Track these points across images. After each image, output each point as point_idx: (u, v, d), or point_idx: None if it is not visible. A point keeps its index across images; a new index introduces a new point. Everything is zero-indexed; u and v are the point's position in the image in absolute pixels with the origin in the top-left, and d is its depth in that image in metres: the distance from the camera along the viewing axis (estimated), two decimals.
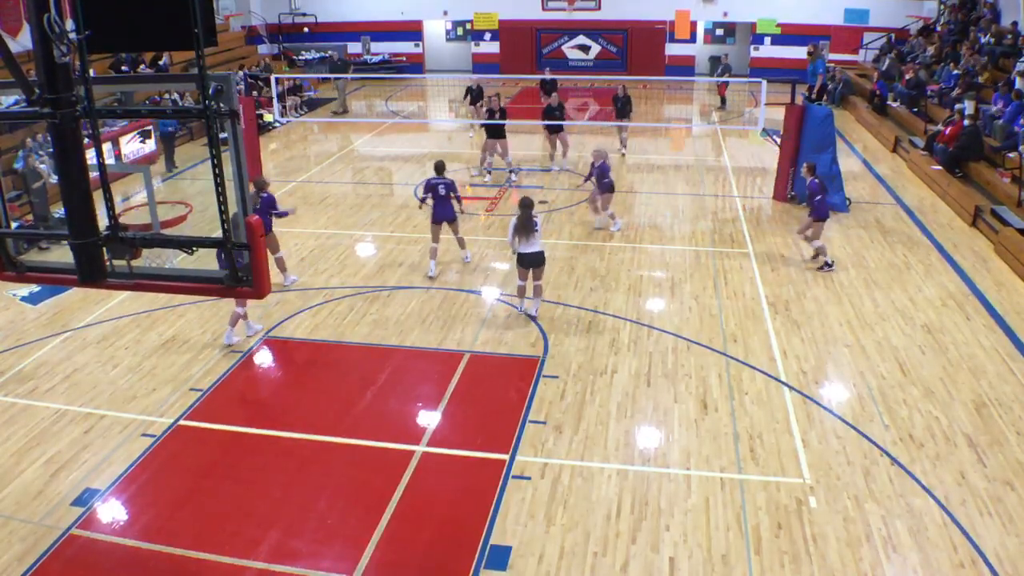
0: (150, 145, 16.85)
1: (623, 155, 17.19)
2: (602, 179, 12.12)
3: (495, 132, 15.04)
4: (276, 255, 10.42)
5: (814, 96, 22.04)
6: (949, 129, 15.05)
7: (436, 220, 10.63)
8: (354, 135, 20.24)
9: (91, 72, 4.02)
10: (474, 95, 18.18)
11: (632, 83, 22.50)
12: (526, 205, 9.24)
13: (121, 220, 4.32)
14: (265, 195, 10.15)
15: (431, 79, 28.70)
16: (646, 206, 13.93)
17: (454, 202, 10.70)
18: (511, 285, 10.51)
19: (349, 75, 23.73)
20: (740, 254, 11.56)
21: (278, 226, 10.77)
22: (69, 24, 3.82)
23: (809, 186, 11.17)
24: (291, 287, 10.52)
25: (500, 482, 6.64)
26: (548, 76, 20.11)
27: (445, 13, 29.17)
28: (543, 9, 28.25)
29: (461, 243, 11.12)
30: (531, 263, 9.33)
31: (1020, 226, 11.54)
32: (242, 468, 6.94)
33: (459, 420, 7.63)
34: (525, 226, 9.15)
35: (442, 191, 10.54)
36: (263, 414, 7.77)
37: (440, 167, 10.84)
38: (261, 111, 19.60)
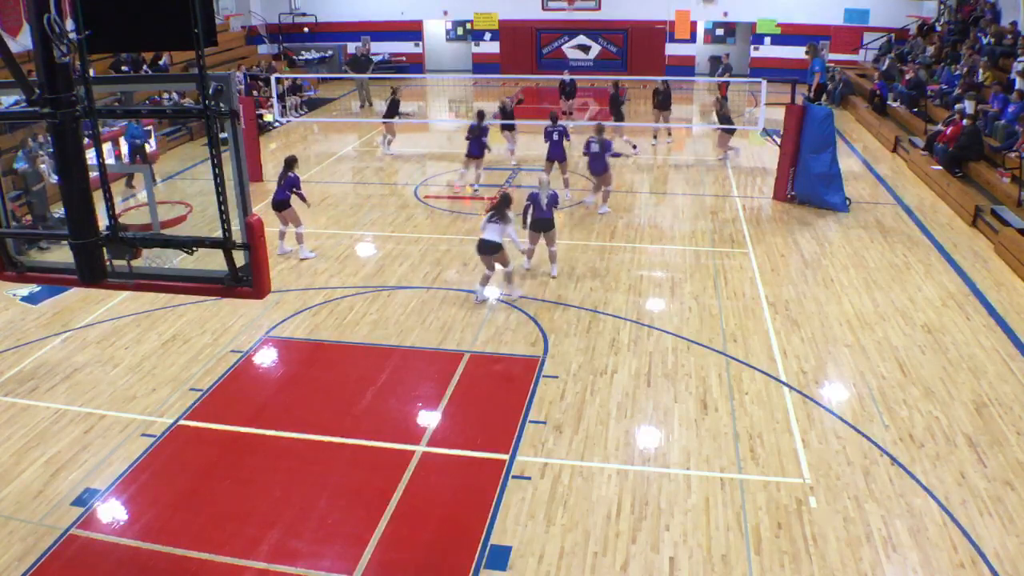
0: (150, 145, 16.84)
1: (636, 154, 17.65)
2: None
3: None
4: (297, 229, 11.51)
5: (812, 95, 22.04)
6: (949, 129, 15.05)
7: None
8: (354, 135, 20.24)
9: (91, 72, 4.02)
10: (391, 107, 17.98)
11: (632, 83, 22.51)
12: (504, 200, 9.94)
13: (121, 220, 4.32)
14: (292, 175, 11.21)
15: (431, 79, 28.71)
16: (646, 206, 13.94)
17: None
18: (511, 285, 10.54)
19: (370, 73, 23.74)
20: (740, 254, 11.56)
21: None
22: (69, 24, 3.82)
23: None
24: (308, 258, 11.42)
25: (500, 482, 6.64)
26: (568, 77, 19.88)
27: (445, 13, 29.17)
28: (543, 9, 28.25)
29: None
30: (482, 250, 9.81)
31: (1020, 226, 11.54)
32: (242, 468, 6.94)
33: (459, 420, 7.63)
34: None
35: None
36: (263, 414, 7.76)
37: None
38: (261, 111, 19.60)
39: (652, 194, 14.59)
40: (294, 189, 11.19)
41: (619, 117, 17.87)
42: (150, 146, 16.51)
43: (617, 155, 14.61)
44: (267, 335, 9.29)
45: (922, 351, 8.71)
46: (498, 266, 9.88)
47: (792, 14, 26.58)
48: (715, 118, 17.69)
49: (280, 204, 11.23)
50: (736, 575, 5.65)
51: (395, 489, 6.58)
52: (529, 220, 10.44)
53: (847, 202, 13.46)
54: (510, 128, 16.86)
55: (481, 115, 14.54)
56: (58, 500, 6.49)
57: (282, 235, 11.57)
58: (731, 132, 16.70)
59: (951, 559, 5.73)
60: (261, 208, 13.52)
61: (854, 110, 21.61)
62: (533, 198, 10.38)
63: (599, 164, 13.16)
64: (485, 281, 9.94)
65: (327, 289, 10.51)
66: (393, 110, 17.67)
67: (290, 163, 11.39)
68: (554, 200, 10.49)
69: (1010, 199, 12.52)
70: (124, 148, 15.71)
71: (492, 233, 9.60)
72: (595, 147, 13.08)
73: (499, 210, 9.68)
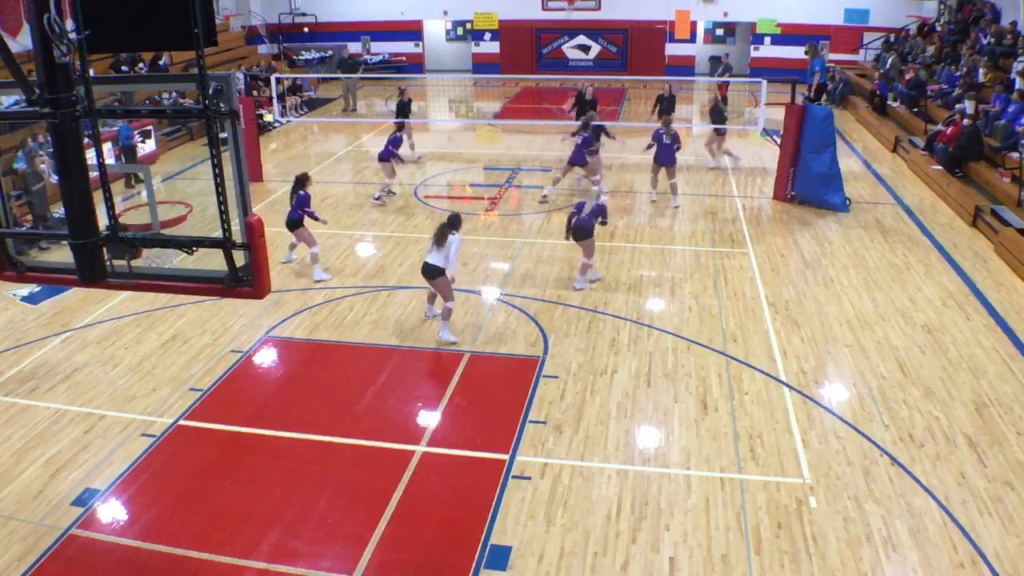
0: (150, 145, 16.85)
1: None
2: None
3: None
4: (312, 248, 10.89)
5: (812, 95, 22.04)
6: (949, 129, 15.06)
7: None
8: (354, 135, 20.24)
9: (91, 72, 4.02)
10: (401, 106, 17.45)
11: (633, 83, 22.50)
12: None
13: (121, 220, 4.32)
14: (303, 192, 10.70)
15: (431, 79, 28.71)
16: (646, 206, 13.94)
17: None
18: (511, 285, 10.53)
19: (359, 75, 23.73)
20: (740, 254, 11.56)
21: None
22: (69, 24, 3.82)
23: None
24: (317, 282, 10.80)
25: (500, 482, 6.65)
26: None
27: (445, 13, 29.18)
28: (543, 9, 28.25)
29: None
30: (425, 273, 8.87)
31: (1020, 226, 11.54)
32: (242, 468, 6.94)
33: (459, 420, 7.63)
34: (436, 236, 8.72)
35: None
36: (263, 414, 7.76)
37: None
38: (261, 111, 19.59)
39: (650, 193, 14.57)
40: (304, 208, 10.68)
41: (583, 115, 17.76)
42: (143, 147, 16.42)
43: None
44: (267, 335, 9.29)
45: (922, 351, 8.71)
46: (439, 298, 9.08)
47: (792, 14, 26.60)
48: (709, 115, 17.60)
49: (293, 223, 10.79)
50: (736, 575, 5.65)
51: (395, 489, 6.58)
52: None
53: (847, 202, 13.46)
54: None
55: (400, 126, 14.43)
56: (58, 500, 6.50)
57: (292, 246, 11.28)
58: (723, 133, 16.58)
59: (951, 559, 5.74)
60: (261, 208, 13.55)
61: (854, 110, 21.61)
62: (579, 206, 10.12)
63: (669, 156, 13.35)
64: (432, 299, 9.48)
65: (327, 289, 10.51)
66: (403, 111, 17.30)
67: (301, 181, 10.80)
68: (599, 210, 9.98)
69: (1010, 199, 12.53)
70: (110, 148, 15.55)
71: (431, 256, 8.68)
72: (665, 139, 13.28)
73: (439, 231, 8.70)
